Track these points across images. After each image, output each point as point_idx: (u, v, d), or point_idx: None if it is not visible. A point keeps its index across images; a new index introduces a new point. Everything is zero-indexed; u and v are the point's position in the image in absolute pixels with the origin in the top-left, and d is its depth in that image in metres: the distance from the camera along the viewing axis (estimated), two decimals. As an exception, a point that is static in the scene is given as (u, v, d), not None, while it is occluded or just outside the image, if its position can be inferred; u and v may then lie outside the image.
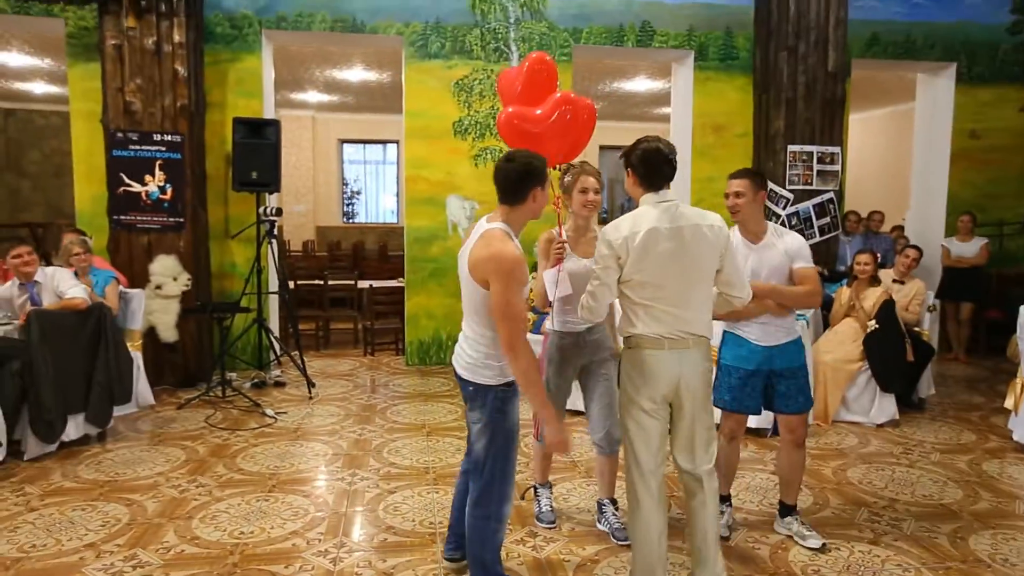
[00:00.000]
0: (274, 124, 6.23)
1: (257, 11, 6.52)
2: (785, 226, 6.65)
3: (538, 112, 3.00)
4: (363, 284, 7.91)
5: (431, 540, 3.15)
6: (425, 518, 3.38)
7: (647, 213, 2.46)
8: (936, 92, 7.77)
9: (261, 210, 6.05)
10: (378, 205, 15.51)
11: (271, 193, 6.31)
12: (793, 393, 3.05)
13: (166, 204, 5.83)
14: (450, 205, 6.82)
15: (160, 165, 5.77)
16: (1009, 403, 4.57)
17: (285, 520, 3.34)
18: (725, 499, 3.24)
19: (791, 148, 6.63)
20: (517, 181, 2.39)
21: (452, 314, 6.80)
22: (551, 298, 2.97)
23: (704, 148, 7.13)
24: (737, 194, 3.02)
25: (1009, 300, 5.31)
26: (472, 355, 2.45)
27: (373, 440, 4.56)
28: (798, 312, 5.18)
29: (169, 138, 5.78)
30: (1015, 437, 4.46)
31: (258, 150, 6.03)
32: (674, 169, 2.53)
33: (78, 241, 4.98)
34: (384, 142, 14.84)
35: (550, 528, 3.28)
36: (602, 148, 14.93)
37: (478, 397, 2.44)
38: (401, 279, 7.21)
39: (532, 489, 3.48)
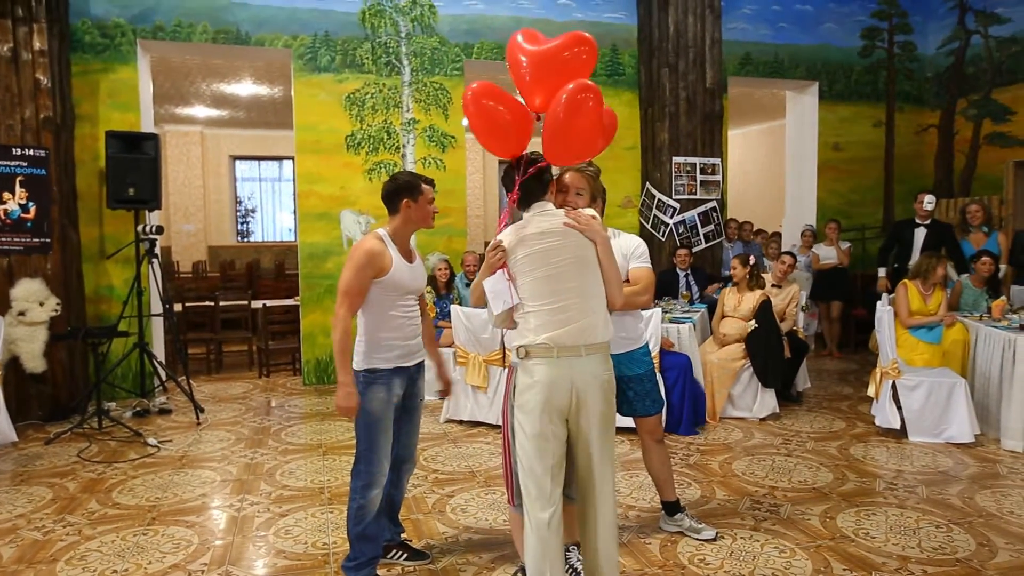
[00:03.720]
0: (152, 138, 5.92)
1: (131, 19, 6.19)
2: (673, 235, 6.98)
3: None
4: (257, 304, 7.62)
5: (323, 561, 3.05)
6: (318, 539, 3.27)
7: (527, 220, 2.49)
8: (803, 108, 8.42)
9: (140, 228, 5.71)
10: (275, 223, 15.01)
11: (151, 210, 5.98)
12: (642, 397, 3.09)
13: (29, 223, 5.39)
14: (344, 220, 6.70)
15: (21, 181, 5.34)
16: (871, 391, 4.98)
17: (165, 553, 3.14)
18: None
19: (675, 160, 6.98)
20: (392, 194, 2.77)
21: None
22: (494, 310, 2.46)
23: (595, 160, 7.36)
24: (578, 193, 2.87)
25: (872, 299, 5.79)
26: (355, 343, 2.77)
27: (265, 463, 4.38)
28: (685, 316, 5.47)
29: (31, 153, 5.36)
30: (877, 422, 4.85)
31: (135, 165, 5.71)
32: (545, 185, 2.50)
33: None
34: (280, 158, 14.40)
35: None
36: (502, 163, 15.14)
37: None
38: (297, 297, 7.00)
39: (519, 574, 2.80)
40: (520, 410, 2.36)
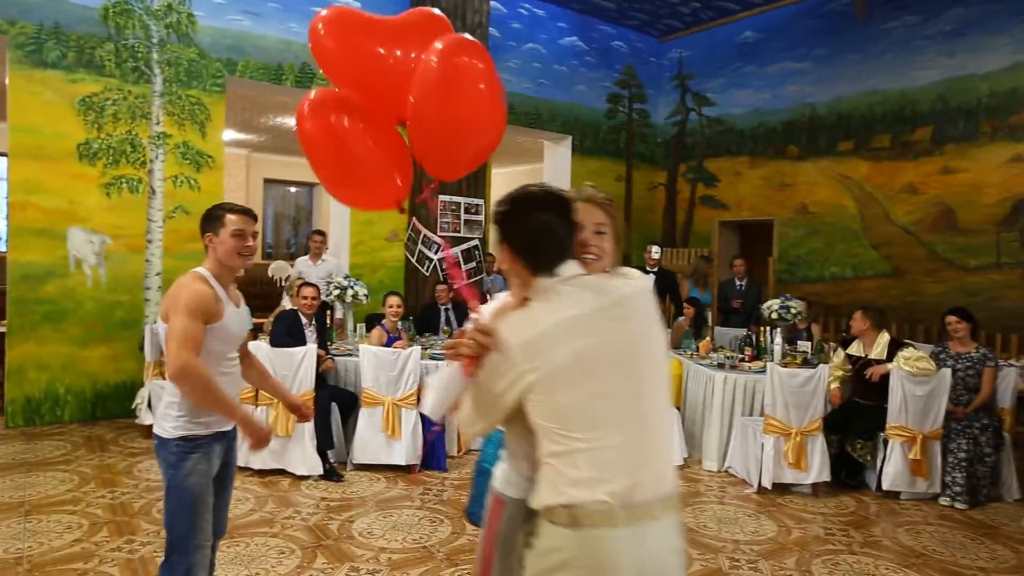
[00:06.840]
0: None
1: None
2: (437, 270, 7.22)
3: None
4: (-55, 330, 6.31)
5: (16, 649, 2.62)
6: (11, 623, 2.80)
7: (553, 293, 1.52)
8: (557, 158, 9.30)
9: None
10: (-21, 229, 12.56)
11: None
12: (482, 499, 2.37)
13: None
14: (73, 238, 5.88)
15: None
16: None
17: None
18: None
19: (441, 198, 7.24)
20: (200, 232, 2.44)
21: (73, 364, 5.83)
22: (424, 408, 1.74)
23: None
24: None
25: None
26: (161, 406, 2.38)
27: (-57, 533, 3.63)
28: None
29: None
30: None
31: None
32: (572, 230, 1.59)
33: None
34: (-11, 153, 12.14)
35: None
36: (267, 181, 14.42)
37: (158, 451, 2.36)
38: (4, 323, 5.94)
39: None
40: None
